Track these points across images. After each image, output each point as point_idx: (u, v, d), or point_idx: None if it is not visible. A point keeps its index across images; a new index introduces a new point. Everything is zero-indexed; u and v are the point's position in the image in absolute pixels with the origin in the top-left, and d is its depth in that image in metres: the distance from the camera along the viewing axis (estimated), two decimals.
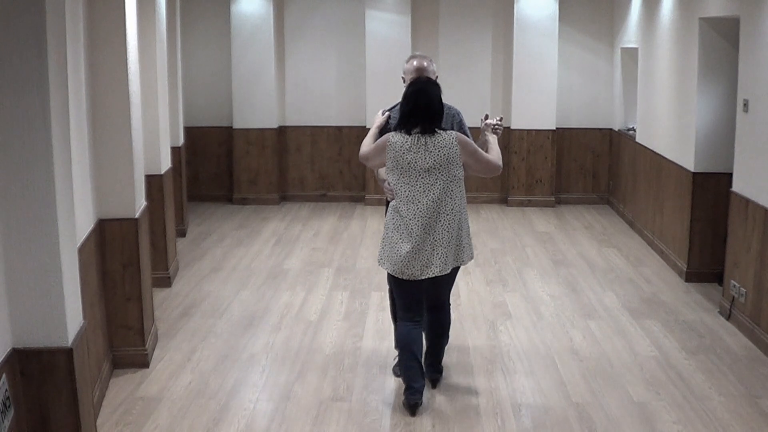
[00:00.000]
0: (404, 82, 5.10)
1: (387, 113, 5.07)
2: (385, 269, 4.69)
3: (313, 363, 5.43)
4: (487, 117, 4.99)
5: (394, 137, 4.62)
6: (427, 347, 5.01)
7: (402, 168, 4.57)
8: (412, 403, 4.69)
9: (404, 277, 4.59)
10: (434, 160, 4.53)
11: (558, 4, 10.08)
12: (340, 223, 9.56)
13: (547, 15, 10.09)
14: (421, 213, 4.53)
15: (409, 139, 4.57)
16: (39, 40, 3.00)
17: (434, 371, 5.02)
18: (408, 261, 4.54)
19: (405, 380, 4.75)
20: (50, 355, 3.20)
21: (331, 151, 10.81)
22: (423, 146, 4.55)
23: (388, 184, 4.67)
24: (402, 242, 4.55)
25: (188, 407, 4.78)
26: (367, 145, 4.85)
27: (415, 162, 4.55)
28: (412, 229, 4.53)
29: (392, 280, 4.77)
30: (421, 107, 4.58)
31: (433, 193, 4.53)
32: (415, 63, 5.05)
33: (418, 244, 4.52)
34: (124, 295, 5.27)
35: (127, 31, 5.11)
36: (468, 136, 4.75)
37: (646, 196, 8.69)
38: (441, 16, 10.50)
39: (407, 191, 4.56)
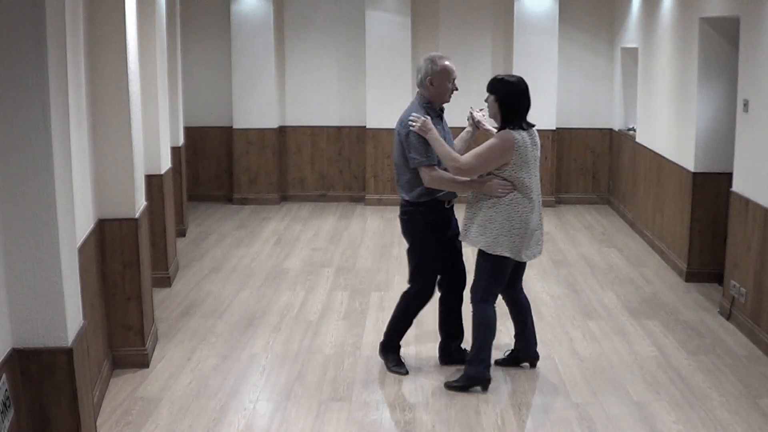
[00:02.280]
0: (432, 85, 5.00)
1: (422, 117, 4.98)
2: (505, 255, 4.85)
3: (313, 363, 5.43)
4: (471, 112, 5.34)
5: (518, 135, 4.82)
6: (523, 330, 5.29)
7: (528, 163, 4.84)
8: (489, 378, 5.01)
9: (525, 260, 4.94)
10: (539, 152, 4.96)
11: (558, 3, 10.08)
12: (340, 223, 9.56)
13: (547, 14, 10.09)
14: (537, 201, 4.91)
15: (527, 135, 4.87)
16: (39, 40, 3.00)
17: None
18: (532, 245, 4.93)
19: (487, 359, 5.00)
20: (50, 355, 3.20)
21: (331, 151, 10.81)
22: (535, 140, 4.92)
23: (501, 180, 4.81)
24: (527, 229, 4.85)
25: (188, 407, 4.78)
26: (450, 153, 4.89)
27: (535, 155, 4.89)
28: (533, 216, 4.87)
29: (500, 263, 4.90)
30: (530, 104, 4.92)
31: (539, 182, 4.96)
32: (448, 63, 5.05)
33: (537, 228, 4.93)
34: (124, 295, 5.27)
35: (127, 31, 5.11)
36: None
37: (646, 196, 8.69)
38: (441, 16, 10.50)
39: (529, 183, 4.85)
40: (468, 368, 5.02)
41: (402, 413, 4.73)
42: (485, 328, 4.98)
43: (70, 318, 3.25)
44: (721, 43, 6.87)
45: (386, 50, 10.26)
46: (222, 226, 9.37)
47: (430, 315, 6.34)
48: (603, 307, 6.54)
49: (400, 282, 7.22)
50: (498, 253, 4.84)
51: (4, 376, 3.03)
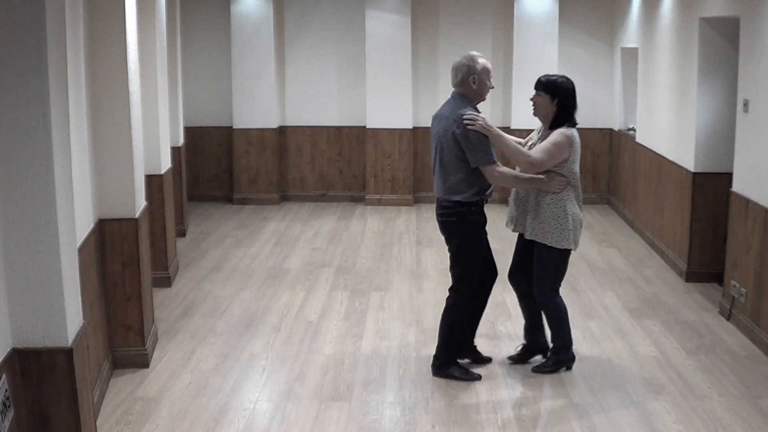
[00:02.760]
0: (474, 84, 4.97)
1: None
2: (572, 248, 5.07)
3: (313, 363, 5.43)
4: None
5: (575, 133, 5.01)
6: (537, 323, 5.39)
7: (579, 158, 5.04)
8: (575, 357, 5.32)
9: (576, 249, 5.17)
10: None
11: (558, 3, 10.08)
12: (340, 223, 9.56)
13: (547, 15, 10.09)
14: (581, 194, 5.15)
15: (576, 132, 5.06)
16: (39, 40, 3.00)
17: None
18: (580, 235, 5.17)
19: (570, 341, 5.29)
20: (50, 355, 3.20)
21: (331, 151, 10.82)
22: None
23: (559, 176, 4.97)
24: (581, 220, 5.10)
25: (188, 407, 4.78)
26: (521, 149, 5.03)
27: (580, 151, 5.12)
28: (582, 209, 5.11)
29: (566, 255, 5.12)
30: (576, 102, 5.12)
31: None
32: (487, 61, 5.07)
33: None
34: (124, 295, 5.27)
35: (127, 31, 5.11)
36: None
37: (646, 196, 8.69)
38: (441, 16, 10.51)
39: (578, 177, 5.05)
40: (557, 355, 5.25)
41: (402, 413, 4.73)
42: (563, 319, 5.21)
43: (70, 318, 3.25)
44: (721, 43, 6.87)
45: (386, 50, 10.26)
46: (222, 226, 9.37)
47: (429, 314, 6.35)
48: (603, 307, 6.54)
49: (400, 282, 7.22)
50: (565, 247, 5.02)
51: (4, 376, 3.03)
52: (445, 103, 5.10)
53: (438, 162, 5.01)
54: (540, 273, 5.13)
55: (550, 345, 5.33)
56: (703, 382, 5.11)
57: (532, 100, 5.09)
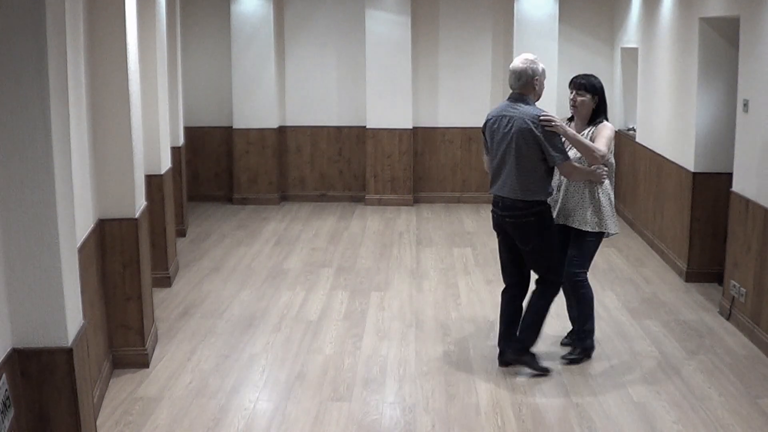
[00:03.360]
0: (536, 84, 5.14)
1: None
2: (614, 231, 5.32)
3: (313, 363, 5.43)
4: None
5: (612, 126, 5.30)
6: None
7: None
8: (594, 346, 5.53)
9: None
10: None
11: (558, 3, 10.08)
12: (340, 223, 9.56)
13: (547, 15, 10.08)
14: None
15: None
16: (39, 40, 3.00)
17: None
18: None
19: (594, 328, 5.55)
20: (50, 355, 3.20)
21: (331, 151, 10.82)
22: None
23: (604, 167, 5.18)
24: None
25: (188, 407, 4.78)
26: (592, 144, 5.13)
27: None
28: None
29: (599, 240, 5.39)
30: None
31: None
32: (542, 63, 5.23)
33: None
34: (124, 295, 5.27)
35: (127, 31, 5.11)
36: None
37: (646, 196, 8.69)
38: (441, 16, 10.50)
39: (614, 167, 5.34)
40: (585, 342, 5.47)
41: (402, 413, 4.73)
42: (592, 302, 5.48)
43: (70, 318, 3.25)
44: (721, 43, 6.87)
45: (386, 50, 10.26)
46: (222, 226, 9.37)
47: (429, 314, 6.35)
48: (603, 307, 6.54)
49: (400, 282, 7.22)
50: (614, 231, 5.31)
51: (4, 376, 3.03)
52: (506, 105, 5.14)
53: (513, 163, 5.02)
54: (580, 257, 5.38)
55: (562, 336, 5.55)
56: (703, 382, 5.11)
57: (572, 99, 5.32)
